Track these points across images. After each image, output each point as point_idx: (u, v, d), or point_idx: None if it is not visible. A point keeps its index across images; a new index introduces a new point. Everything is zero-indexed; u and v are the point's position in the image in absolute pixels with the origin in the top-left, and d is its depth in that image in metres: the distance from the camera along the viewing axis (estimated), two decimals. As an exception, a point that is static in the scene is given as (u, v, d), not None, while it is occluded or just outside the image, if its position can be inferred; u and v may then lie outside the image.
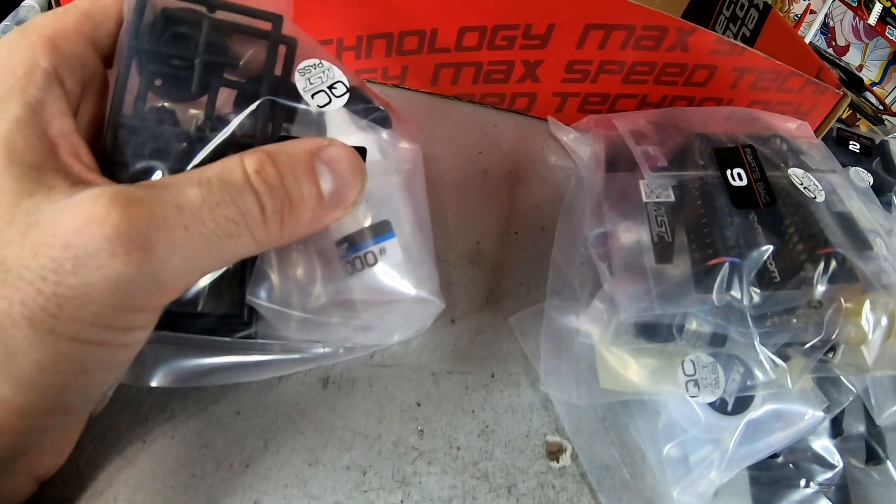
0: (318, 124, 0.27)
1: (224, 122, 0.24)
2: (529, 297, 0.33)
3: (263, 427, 0.28)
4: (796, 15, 0.66)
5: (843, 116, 0.61)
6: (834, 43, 0.78)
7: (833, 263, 0.31)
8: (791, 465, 0.35)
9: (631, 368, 0.31)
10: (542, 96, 0.42)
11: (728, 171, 0.33)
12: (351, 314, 0.26)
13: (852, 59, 0.77)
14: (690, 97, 0.43)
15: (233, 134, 0.24)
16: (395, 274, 0.26)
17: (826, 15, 0.76)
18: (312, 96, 0.26)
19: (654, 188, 0.34)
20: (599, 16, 0.38)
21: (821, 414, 0.31)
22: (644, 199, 0.33)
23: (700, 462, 0.31)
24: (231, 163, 0.21)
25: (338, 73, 0.27)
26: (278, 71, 0.26)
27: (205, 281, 0.24)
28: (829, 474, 0.34)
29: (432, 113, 0.41)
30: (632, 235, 0.33)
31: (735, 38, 0.56)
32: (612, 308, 0.30)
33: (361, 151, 0.26)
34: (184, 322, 0.24)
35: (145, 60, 0.23)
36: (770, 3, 0.55)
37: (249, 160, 0.21)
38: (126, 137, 0.23)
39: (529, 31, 0.39)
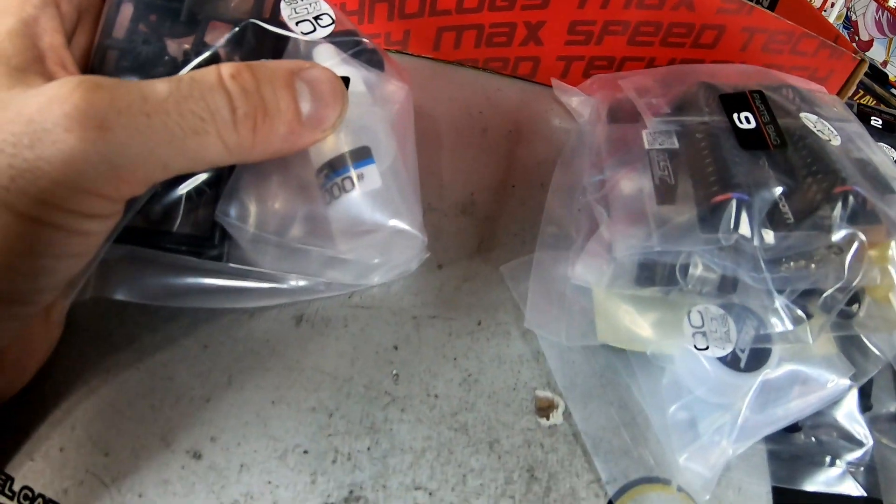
0: (304, 57, 0.27)
1: (210, 48, 0.25)
2: (524, 248, 0.32)
3: (230, 362, 0.27)
4: (815, 6, 0.64)
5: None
6: (857, 38, 0.76)
7: (851, 202, 0.29)
8: (814, 440, 0.31)
9: (632, 320, 0.29)
10: (546, 60, 0.41)
11: (734, 115, 0.32)
12: (327, 243, 0.25)
13: (876, 54, 0.74)
14: (699, 60, 0.42)
15: (216, 57, 0.24)
16: (372, 201, 0.25)
17: (848, 9, 0.74)
18: (297, 24, 0.26)
19: (657, 136, 0.32)
20: (601, -27, 0.38)
21: (846, 382, 0.29)
22: (646, 147, 0.32)
23: (710, 428, 0.29)
24: (207, 68, 0.21)
25: (325, 6, 0.27)
26: (267, 13, 0.26)
27: (181, 192, 0.23)
28: (857, 453, 0.31)
29: (434, 77, 0.40)
30: (633, 184, 0.31)
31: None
32: (610, 251, 0.28)
33: (345, 81, 0.25)
34: (151, 237, 0.23)
35: None
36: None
37: (227, 66, 0.21)
38: (113, 58, 0.24)
39: (529, -9, 0.38)
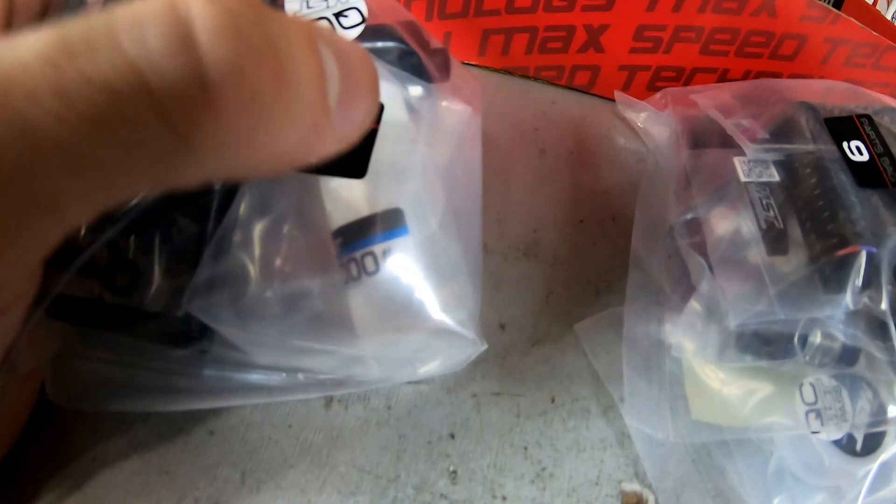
0: None
1: None
2: (599, 299, 0.27)
3: (242, 454, 0.22)
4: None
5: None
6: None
7: None
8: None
9: (733, 394, 0.24)
10: (607, 70, 0.36)
11: (845, 144, 0.27)
12: (347, 339, 0.19)
13: None
14: (776, 73, 0.37)
15: None
16: (403, 290, 0.19)
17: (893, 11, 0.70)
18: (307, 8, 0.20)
19: (754, 166, 0.28)
20: (675, -29, 0.33)
21: None
22: (743, 179, 0.27)
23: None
24: None
25: (357, 1, 0.20)
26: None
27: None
28: None
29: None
30: (728, 223, 0.27)
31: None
32: (713, 313, 0.23)
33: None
34: (93, 315, 0.18)
35: None
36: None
37: None
38: None
39: (593, -10, 0.34)
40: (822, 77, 0.38)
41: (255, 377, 0.20)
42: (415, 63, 0.22)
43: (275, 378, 0.20)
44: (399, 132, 0.20)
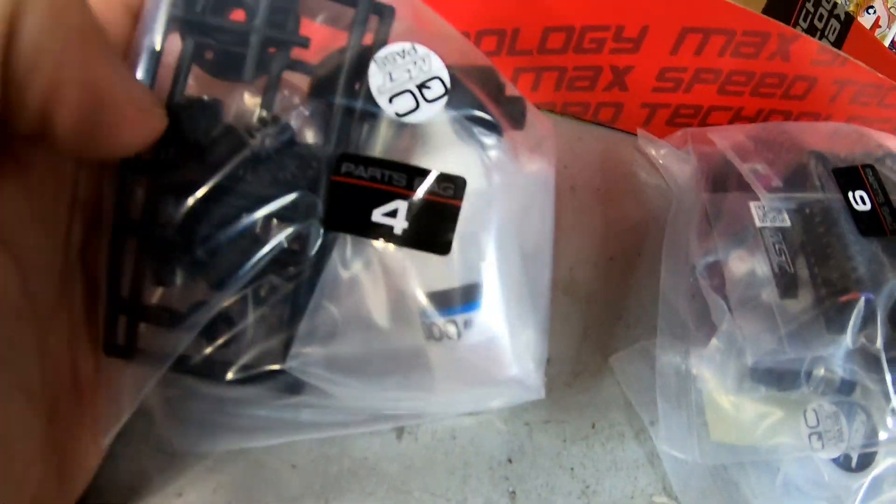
0: (410, 132, 0.21)
1: (283, 128, 0.19)
2: (629, 333, 0.30)
3: (324, 485, 0.24)
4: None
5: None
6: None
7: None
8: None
9: (747, 418, 0.28)
10: (630, 107, 0.39)
11: (850, 194, 0.30)
12: (425, 392, 0.22)
13: None
14: (787, 111, 0.40)
15: (291, 148, 0.19)
16: (479, 355, 0.21)
17: (894, 34, 0.73)
18: (391, 100, 0.20)
19: (769, 211, 0.31)
20: (698, 18, 0.35)
21: None
22: (758, 224, 0.30)
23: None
24: None
25: (436, 65, 0.20)
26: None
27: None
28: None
29: (510, 121, 0.38)
30: (745, 265, 0.30)
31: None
32: (732, 349, 0.27)
33: (459, 183, 0.20)
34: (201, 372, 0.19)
35: (186, 31, 0.19)
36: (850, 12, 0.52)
37: None
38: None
39: (621, 34, 0.36)
40: (829, 115, 0.41)
41: (340, 417, 0.23)
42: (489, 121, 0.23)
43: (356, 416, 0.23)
44: (481, 201, 0.21)
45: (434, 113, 0.20)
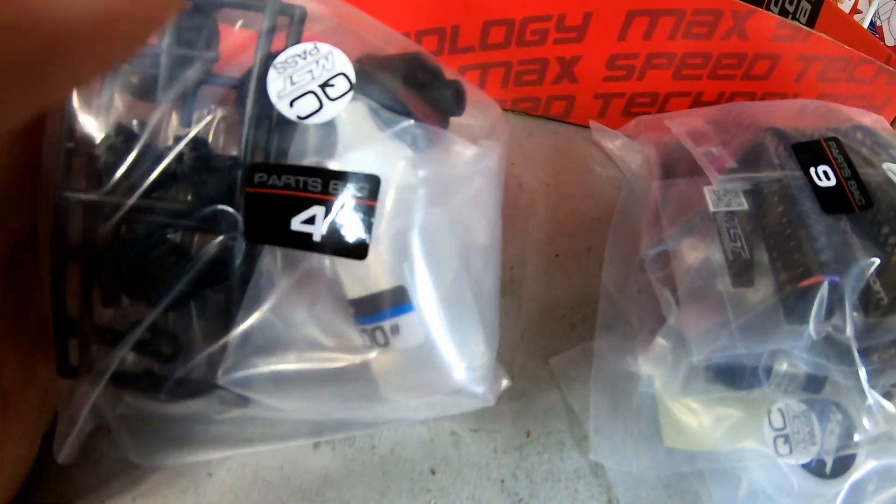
0: (330, 133, 0.20)
1: (197, 143, 0.19)
2: (574, 333, 0.28)
3: (240, 495, 0.23)
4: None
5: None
6: (883, 43, 0.72)
7: (954, 278, 0.25)
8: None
9: (703, 422, 0.25)
10: (582, 99, 0.37)
11: (811, 170, 0.28)
12: (370, 402, 0.21)
13: None
14: (751, 93, 0.38)
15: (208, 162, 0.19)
16: (414, 361, 0.20)
17: (872, 14, 0.70)
18: (292, 103, 0.19)
19: (723, 195, 0.28)
20: (644, 0, 0.33)
21: None
22: (711, 209, 0.28)
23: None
24: None
25: (340, 62, 0.20)
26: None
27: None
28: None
29: (457, 121, 0.36)
30: (698, 253, 0.27)
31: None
32: (681, 347, 0.24)
33: (372, 182, 0.19)
34: (147, 385, 0.19)
35: None
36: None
37: None
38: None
39: (563, 23, 0.34)
40: (796, 94, 0.38)
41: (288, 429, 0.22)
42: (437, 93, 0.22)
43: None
44: (405, 197, 0.20)
45: (339, 110, 0.19)
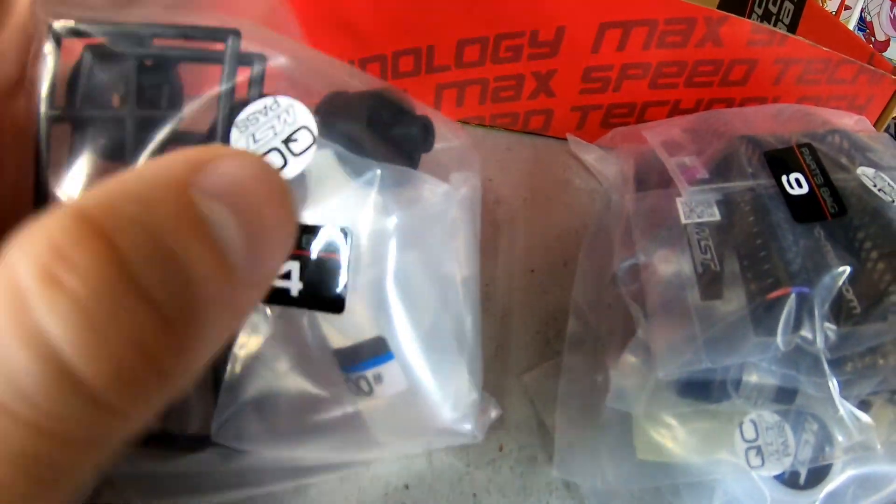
0: (301, 184, 0.20)
1: None
2: (548, 348, 0.28)
3: None
4: (832, 12, 0.60)
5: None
6: (873, 39, 0.72)
7: (928, 283, 0.25)
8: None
9: (676, 435, 0.25)
10: (560, 112, 0.37)
11: (783, 178, 0.28)
12: (363, 440, 0.21)
13: (894, 53, 0.70)
14: (729, 99, 0.38)
15: None
16: (400, 406, 0.21)
17: (861, 10, 0.70)
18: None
19: (695, 206, 0.28)
20: (615, 12, 0.34)
21: None
22: (683, 221, 0.28)
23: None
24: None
25: (301, 115, 0.19)
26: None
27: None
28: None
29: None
30: (670, 266, 0.27)
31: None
32: (649, 362, 0.24)
33: (344, 234, 0.19)
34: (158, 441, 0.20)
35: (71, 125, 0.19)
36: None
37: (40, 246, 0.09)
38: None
39: (537, 38, 0.35)
40: (776, 97, 0.38)
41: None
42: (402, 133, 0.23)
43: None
44: (377, 246, 0.20)
45: (304, 165, 0.19)
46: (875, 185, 0.28)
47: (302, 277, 0.19)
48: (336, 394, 0.21)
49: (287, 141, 0.19)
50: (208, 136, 0.20)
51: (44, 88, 0.18)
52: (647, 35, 0.34)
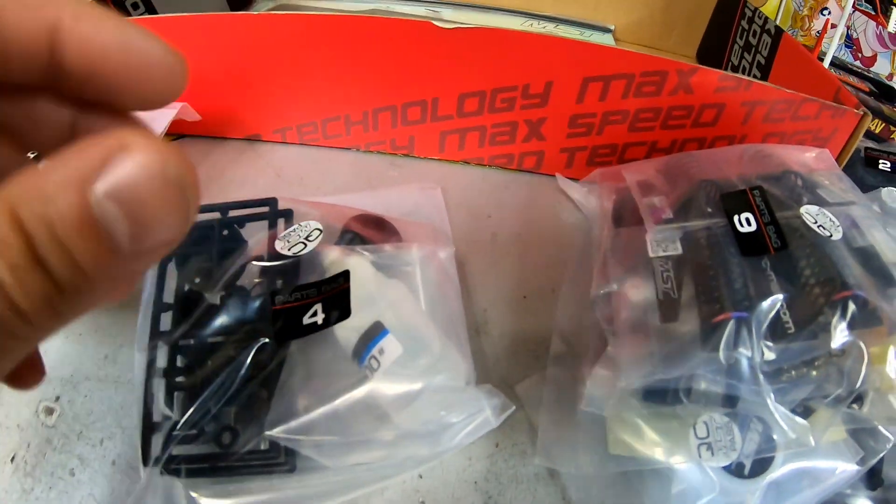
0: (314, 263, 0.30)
1: (241, 290, 0.30)
2: (538, 363, 0.33)
3: None
4: (817, 31, 0.64)
5: (877, 131, 0.58)
6: (860, 55, 0.75)
7: (852, 307, 0.29)
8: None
9: (642, 432, 0.30)
10: (550, 153, 0.43)
11: (735, 217, 0.33)
12: (384, 423, 0.27)
13: (881, 68, 0.73)
14: (701, 138, 0.43)
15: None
16: (401, 366, 0.27)
17: (848, 27, 0.74)
18: (290, 249, 0.30)
19: (661, 241, 0.33)
20: (596, 67, 0.39)
21: (853, 467, 0.30)
22: (650, 254, 0.33)
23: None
24: None
25: (313, 225, 0.31)
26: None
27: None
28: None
29: (443, 179, 0.42)
30: (640, 293, 0.32)
31: (750, 66, 0.55)
32: (617, 373, 0.29)
33: (345, 275, 0.29)
34: (217, 462, 0.27)
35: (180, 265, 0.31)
36: (785, 17, 0.54)
37: None
38: None
39: (528, 91, 0.40)
40: (744, 136, 0.43)
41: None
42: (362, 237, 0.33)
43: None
44: (365, 282, 0.29)
45: (315, 246, 0.30)
46: (816, 222, 0.33)
47: (323, 311, 0.28)
48: (351, 379, 0.27)
49: (306, 237, 0.31)
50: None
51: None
52: (626, 86, 0.39)
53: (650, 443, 0.30)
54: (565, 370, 0.31)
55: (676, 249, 0.33)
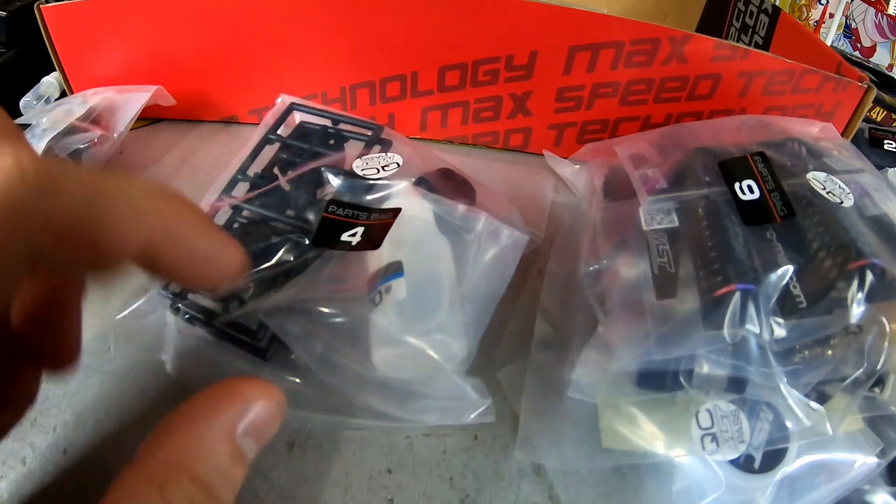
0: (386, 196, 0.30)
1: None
2: (521, 349, 0.30)
3: None
4: (815, 21, 0.62)
5: (879, 119, 0.56)
6: (860, 45, 0.74)
7: (870, 277, 0.26)
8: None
9: (638, 423, 0.27)
10: (537, 130, 0.40)
11: (736, 185, 0.30)
12: (362, 356, 0.26)
13: (881, 59, 0.72)
14: (697, 112, 0.40)
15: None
16: (398, 313, 0.26)
17: (846, 17, 0.72)
18: (362, 170, 0.31)
19: (655, 214, 0.31)
20: (583, 36, 0.36)
21: (873, 460, 0.26)
22: (644, 228, 0.30)
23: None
24: None
25: (398, 158, 0.32)
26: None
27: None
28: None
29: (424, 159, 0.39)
30: (633, 270, 0.30)
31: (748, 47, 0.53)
32: (608, 356, 0.26)
33: (395, 212, 0.29)
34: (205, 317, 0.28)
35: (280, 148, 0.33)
36: (782, 6, 0.52)
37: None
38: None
39: (512, 62, 0.37)
40: (743, 109, 0.40)
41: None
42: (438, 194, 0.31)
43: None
44: (418, 223, 0.29)
45: (389, 174, 0.31)
46: (825, 189, 0.30)
47: (362, 235, 0.28)
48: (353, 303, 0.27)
49: (384, 166, 0.31)
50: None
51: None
52: (615, 56, 0.37)
53: (647, 434, 0.27)
54: (551, 355, 0.28)
55: (672, 222, 0.30)
